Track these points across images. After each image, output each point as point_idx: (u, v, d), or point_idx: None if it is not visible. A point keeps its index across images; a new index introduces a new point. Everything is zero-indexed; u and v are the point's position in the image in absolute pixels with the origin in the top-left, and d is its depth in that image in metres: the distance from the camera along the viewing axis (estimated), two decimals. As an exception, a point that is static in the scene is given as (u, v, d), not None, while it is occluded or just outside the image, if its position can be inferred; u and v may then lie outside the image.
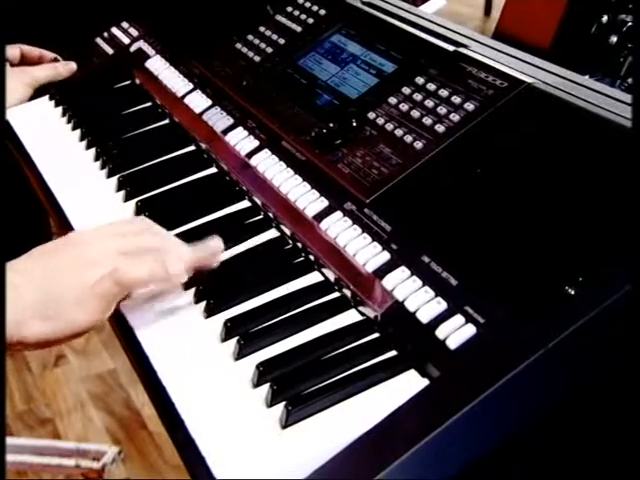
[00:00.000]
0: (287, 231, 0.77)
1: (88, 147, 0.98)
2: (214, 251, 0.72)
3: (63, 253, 0.68)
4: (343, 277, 0.69)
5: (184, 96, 1.00)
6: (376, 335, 0.65)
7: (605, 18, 1.51)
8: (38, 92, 1.11)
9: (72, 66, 1.13)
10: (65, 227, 0.85)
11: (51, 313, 0.64)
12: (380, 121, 0.80)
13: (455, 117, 0.75)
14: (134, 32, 1.19)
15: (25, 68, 1.11)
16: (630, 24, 1.47)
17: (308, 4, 1.02)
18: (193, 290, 0.72)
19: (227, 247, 0.77)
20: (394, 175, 0.74)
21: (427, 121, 0.77)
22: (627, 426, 0.59)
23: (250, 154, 0.86)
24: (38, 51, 1.15)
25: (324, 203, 0.76)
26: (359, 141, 0.79)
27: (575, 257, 0.59)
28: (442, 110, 0.76)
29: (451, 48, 0.84)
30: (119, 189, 0.89)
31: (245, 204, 0.83)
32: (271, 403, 0.60)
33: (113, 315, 0.71)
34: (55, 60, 1.15)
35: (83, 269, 0.66)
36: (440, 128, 0.75)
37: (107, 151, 0.95)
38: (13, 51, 1.13)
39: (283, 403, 0.58)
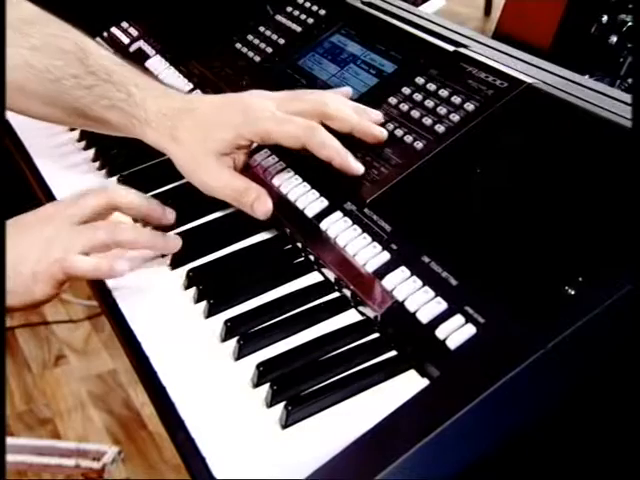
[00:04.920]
0: (287, 231, 0.77)
1: (87, 147, 0.98)
2: (169, 246, 0.75)
3: (27, 229, 0.72)
4: (343, 277, 0.69)
5: (184, 96, 1.00)
6: (376, 335, 0.65)
7: (605, 18, 1.50)
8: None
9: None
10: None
11: (13, 288, 0.68)
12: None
13: (455, 117, 0.75)
14: (134, 32, 1.19)
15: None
16: (630, 24, 1.47)
17: (308, 4, 1.02)
18: (193, 290, 0.72)
19: (227, 247, 0.77)
20: (394, 175, 0.74)
21: (427, 121, 0.76)
22: (627, 426, 0.59)
23: (250, 154, 0.85)
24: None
25: (324, 203, 0.76)
26: (359, 141, 0.79)
27: (575, 257, 0.59)
28: (442, 110, 0.76)
29: (451, 48, 0.84)
30: (119, 189, 0.88)
31: (245, 204, 0.83)
32: (271, 403, 0.60)
33: (113, 315, 0.72)
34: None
35: (41, 246, 0.69)
36: (440, 128, 0.75)
37: (106, 151, 0.95)
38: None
39: (283, 403, 0.58)
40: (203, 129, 0.77)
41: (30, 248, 0.70)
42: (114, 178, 0.90)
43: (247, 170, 0.84)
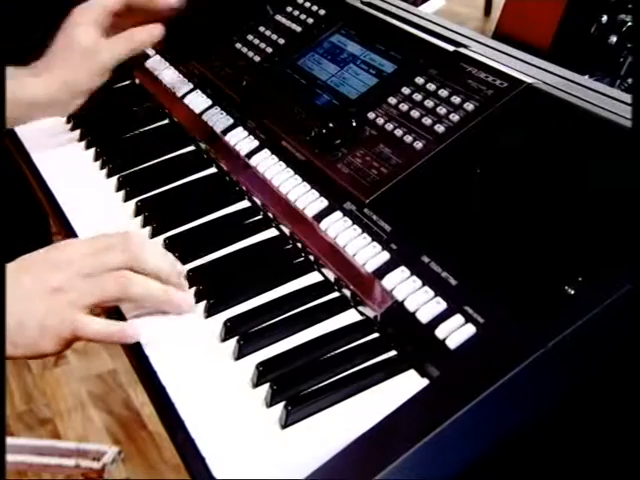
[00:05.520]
0: (287, 231, 0.77)
1: (88, 147, 0.98)
2: (182, 309, 0.70)
3: (34, 273, 0.67)
4: (343, 277, 0.69)
5: (184, 96, 1.00)
6: (376, 335, 0.65)
7: (605, 18, 1.50)
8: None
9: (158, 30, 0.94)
10: (65, 227, 0.85)
11: (18, 340, 0.65)
12: (380, 121, 0.80)
13: (455, 117, 0.75)
14: (134, 32, 1.19)
15: (91, 51, 0.93)
16: (630, 24, 1.47)
17: (308, 4, 1.02)
18: (193, 290, 0.72)
19: (227, 247, 0.77)
20: (394, 175, 0.74)
21: (427, 121, 0.76)
22: (627, 426, 0.59)
23: (250, 154, 0.86)
24: None
25: (324, 203, 0.76)
26: (359, 141, 0.79)
27: (574, 257, 0.59)
28: (442, 110, 0.76)
29: (451, 48, 0.84)
30: (119, 189, 0.89)
31: (245, 204, 0.83)
32: (271, 403, 0.60)
33: (113, 315, 0.71)
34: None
35: (47, 296, 0.66)
36: (440, 128, 0.75)
37: (107, 151, 0.95)
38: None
39: (283, 403, 0.58)
40: None
41: (37, 297, 0.66)
42: (114, 178, 0.90)
43: (247, 170, 0.85)
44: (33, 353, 0.67)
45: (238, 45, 1.03)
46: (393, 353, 0.63)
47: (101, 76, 0.94)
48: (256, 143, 0.87)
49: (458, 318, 0.60)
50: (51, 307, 0.66)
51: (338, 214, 0.74)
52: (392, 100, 0.81)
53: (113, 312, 0.72)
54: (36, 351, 0.66)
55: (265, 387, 0.61)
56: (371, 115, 0.81)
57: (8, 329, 0.64)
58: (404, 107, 0.79)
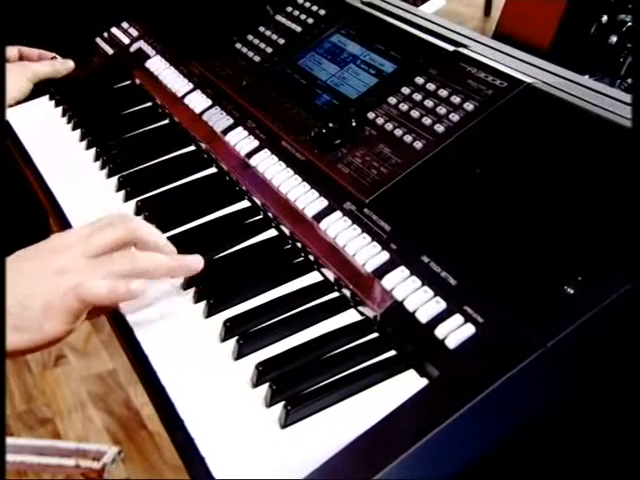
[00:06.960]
0: (287, 231, 0.77)
1: (88, 147, 0.98)
2: (191, 268, 0.71)
3: (36, 259, 0.67)
4: (342, 277, 0.69)
5: (184, 96, 1.00)
6: (375, 335, 0.65)
7: (605, 18, 1.50)
8: (38, 92, 1.11)
9: (70, 64, 1.15)
10: (65, 227, 0.85)
11: (21, 324, 0.63)
12: (380, 121, 0.80)
13: (454, 117, 0.75)
14: (134, 32, 1.19)
15: (25, 63, 1.13)
16: (630, 24, 1.47)
17: (308, 4, 1.02)
18: (193, 290, 0.72)
19: (227, 247, 0.77)
20: (393, 175, 0.74)
21: (427, 121, 0.77)
22: (627, 425, 0.59)
23: (250, 154, 0.86)
24: (37, 52, 1.16)
25: (324, 203, 0.76)
26: (359, 141, 0.79)
27: (574, 257, 0.59)
28: (442, 110, 0.76)
29: (451, 48, 0.84)
30: (119, 189, 0.89)
31: (245, 204, 0.83)
32: (270, 403, 0.60)
33: (113, 315, 0.71)
34: (54, 58, 1.16)
35: (52, 277, 0.65)
36: (440, 128, 0.75)
37: (107, 151, 0.95)
38: (12, 52, 1.14)
39: (282, 403, 0.58)
40: None
41: (40, 279, 0.64)
42: (114, 178, 0.90)
43: (247, 170, 0.85)
44: (38, 339, 0.64)
45: (238, 45, 1.03)
46: (392, 353, 0.63)
47: None
48: (256, 143, 0.87)
49: (457, 318, 0.60)
50: (55, 287, 0.64)
51: (338, 214, 0.74)
52: (392, 100, 0.81)
53: (112, 311, 0.72)
54: (41, 335, 0.63)
55: (265, 387, 0.61)
56: (371, 115, 0.81)
57: (9, 314, 0.63)
58: (404, 107, 0.79)
